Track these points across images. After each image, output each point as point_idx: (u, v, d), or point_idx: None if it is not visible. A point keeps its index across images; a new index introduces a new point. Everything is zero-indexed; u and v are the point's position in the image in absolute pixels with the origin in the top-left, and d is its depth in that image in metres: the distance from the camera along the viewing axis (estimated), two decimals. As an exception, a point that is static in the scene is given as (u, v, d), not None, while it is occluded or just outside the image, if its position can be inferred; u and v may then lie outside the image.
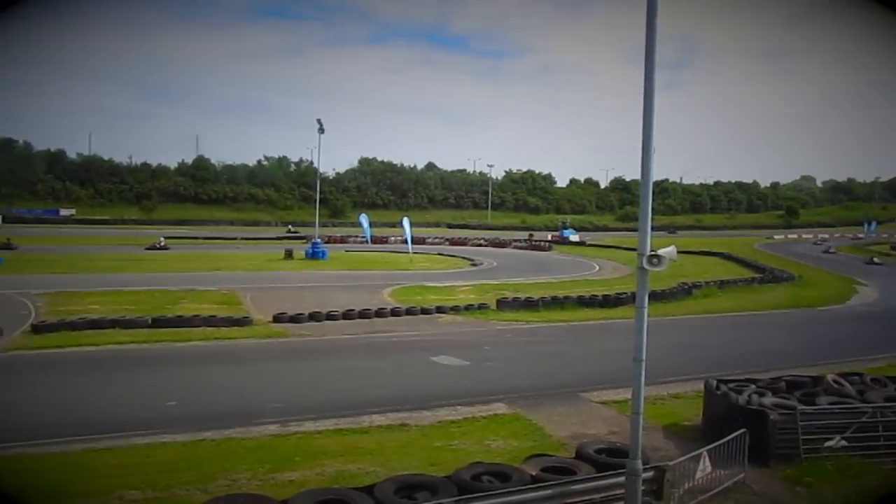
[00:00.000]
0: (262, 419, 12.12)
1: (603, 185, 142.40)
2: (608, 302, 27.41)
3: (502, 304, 26.15)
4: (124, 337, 19.32)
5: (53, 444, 10.64)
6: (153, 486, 9.09)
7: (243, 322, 21.72)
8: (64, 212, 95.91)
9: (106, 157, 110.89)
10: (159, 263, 41.64)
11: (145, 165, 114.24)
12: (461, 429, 11.99)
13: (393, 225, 78.70)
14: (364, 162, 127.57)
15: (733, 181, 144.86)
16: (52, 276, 33.12)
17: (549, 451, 10.10)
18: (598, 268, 46.17)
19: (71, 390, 14.41)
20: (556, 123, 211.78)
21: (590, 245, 66.35)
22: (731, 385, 11.98)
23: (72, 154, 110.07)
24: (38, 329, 19.78)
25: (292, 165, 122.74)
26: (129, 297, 26.42)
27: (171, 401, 13.46)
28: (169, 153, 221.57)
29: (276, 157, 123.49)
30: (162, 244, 51.05)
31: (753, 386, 12.05)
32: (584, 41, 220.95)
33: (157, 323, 20.82)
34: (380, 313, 23.96)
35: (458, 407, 13.22)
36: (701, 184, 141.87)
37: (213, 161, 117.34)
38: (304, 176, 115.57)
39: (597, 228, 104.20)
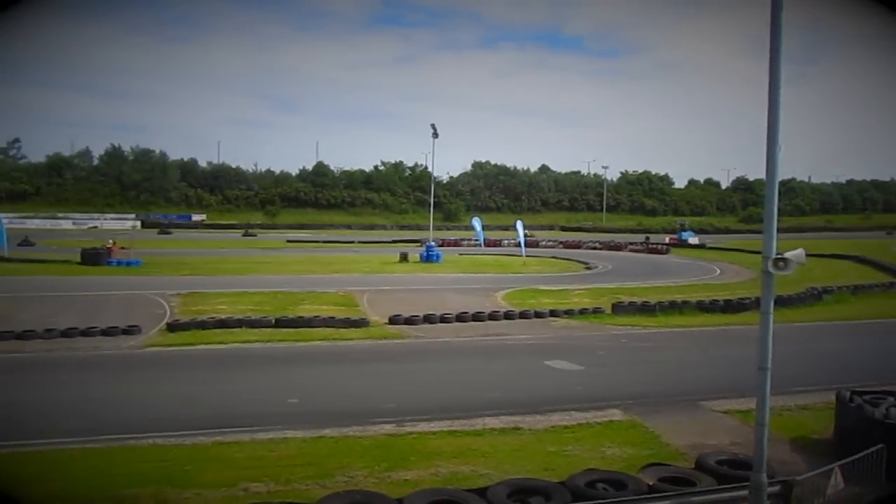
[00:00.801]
0: (379, 419, 12.37)
1: (724, 186, 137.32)
2: (730, 307, 26.29)
3: (618, 308, 25.59)
4: (250, 336, 20.25)
5: (186, 437, 11.27)
6: (275, 480, 9.47)
7: (360, 323, 22.31)
8: (195, 217, 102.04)
9: (233, 165, 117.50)
10: (281, 266, 43.38)
11: (269, 172, 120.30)
12: (575, 434, 11.82)
13: (506, 228, 78.74)
14: (477, 165, 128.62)
15: (868, 179, 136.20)
16: (184, 278, 35.01)
17: (667, 461, 9.81)
18: (718, 272, 44.35)
19: (201, 385, 15.24)
20: (674, 122, 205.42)
21: (710, 248, 63.74)
22: (867, 397, 11.14)
23: (202, 162, 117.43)
24: (172, 327, 21.04)
25: (407, 170, 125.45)
26: (253, 298, 27.58)
27: (293, 398, 13.99)
28: (291, 160, 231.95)
29: (392, 162, 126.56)
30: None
31: (892, 398, 11.14)
32: (704, 37, 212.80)
33: (280, 323, 21.65)
34: (493, 316, 23.98)
35: (573, 412, 13.00)
36: (832, 182, 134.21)
37: (331, 167, 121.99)
38: (418, 180, 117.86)
39: (717, 231, 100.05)
